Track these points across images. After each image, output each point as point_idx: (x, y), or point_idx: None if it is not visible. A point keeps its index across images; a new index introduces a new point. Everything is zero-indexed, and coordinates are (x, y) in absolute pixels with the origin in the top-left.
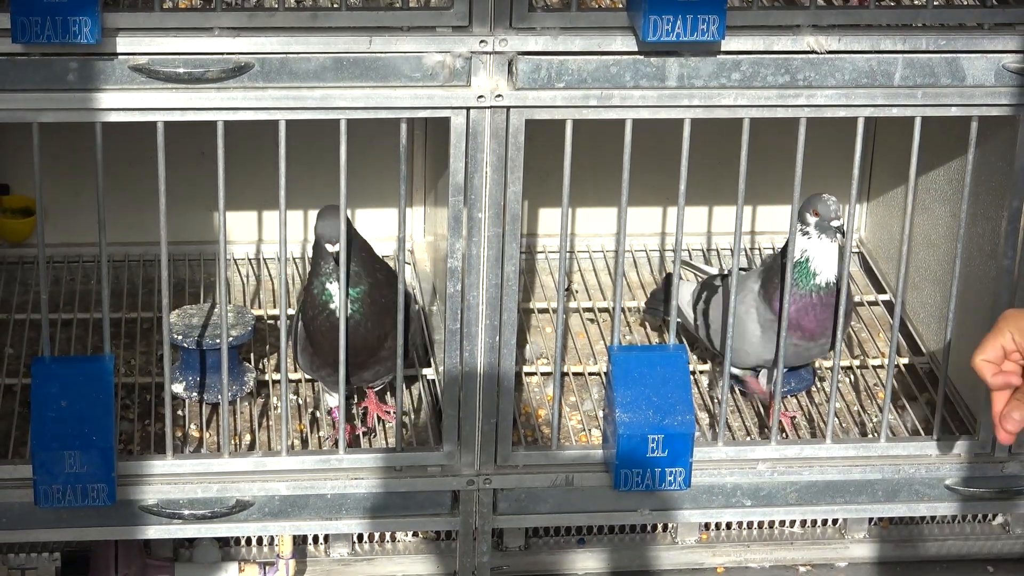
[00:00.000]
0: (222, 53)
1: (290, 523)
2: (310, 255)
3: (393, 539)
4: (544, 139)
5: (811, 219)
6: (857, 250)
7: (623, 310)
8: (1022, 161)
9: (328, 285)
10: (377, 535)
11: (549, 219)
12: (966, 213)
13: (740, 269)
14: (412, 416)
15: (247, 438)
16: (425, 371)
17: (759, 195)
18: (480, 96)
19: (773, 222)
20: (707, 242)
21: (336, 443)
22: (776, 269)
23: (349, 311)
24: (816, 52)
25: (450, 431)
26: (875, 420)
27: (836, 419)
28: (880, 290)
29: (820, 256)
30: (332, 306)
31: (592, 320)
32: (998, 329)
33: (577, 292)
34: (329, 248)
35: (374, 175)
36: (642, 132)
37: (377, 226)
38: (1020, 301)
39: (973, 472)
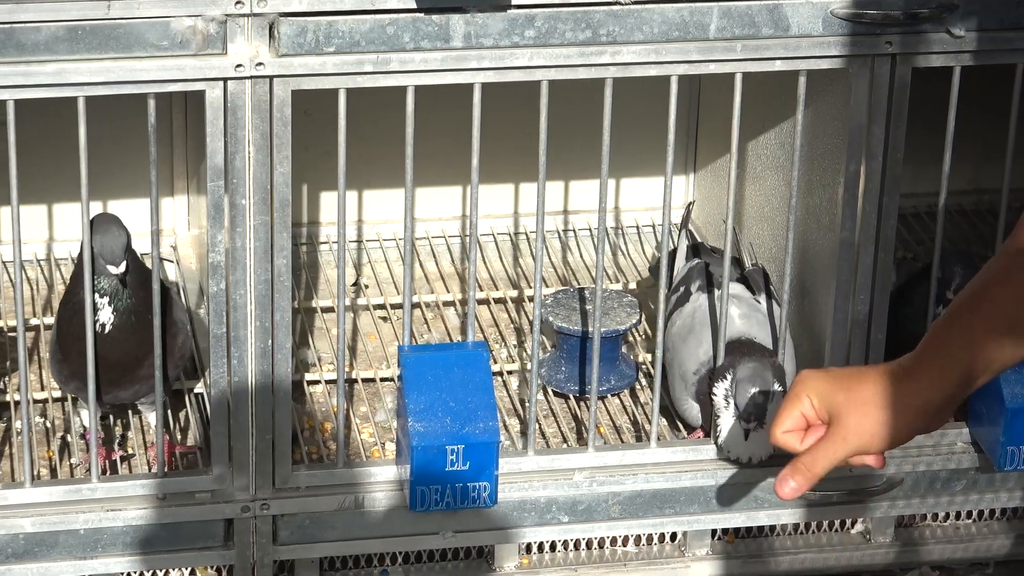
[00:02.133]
0: None
1: (37, 565)
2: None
3: None
4: (325, 113)
5: (724, 398)
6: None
7: (420, 305)
8: (858, 119)
9: (99, 298)
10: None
11: (333, 205)
12: (797, 180)
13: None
14: (179, 437)
15: None
16: (193, 384)
17: (577, 169)
18: (238, 65)
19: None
20: (564, 223)
21: (89, 470)
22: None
23: (108, 321)
24: (620, 3)
25: (219, 451)
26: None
27: (662, 419)
28: None
29: (731, 435)
30: (94, 316)
31: (385, 318)
32: (794, 395)
33: (367, 287)
34: (113, 271)
35: (133, 160)
36: (437, 99)
37: (134, 219)
38: (863, 277)
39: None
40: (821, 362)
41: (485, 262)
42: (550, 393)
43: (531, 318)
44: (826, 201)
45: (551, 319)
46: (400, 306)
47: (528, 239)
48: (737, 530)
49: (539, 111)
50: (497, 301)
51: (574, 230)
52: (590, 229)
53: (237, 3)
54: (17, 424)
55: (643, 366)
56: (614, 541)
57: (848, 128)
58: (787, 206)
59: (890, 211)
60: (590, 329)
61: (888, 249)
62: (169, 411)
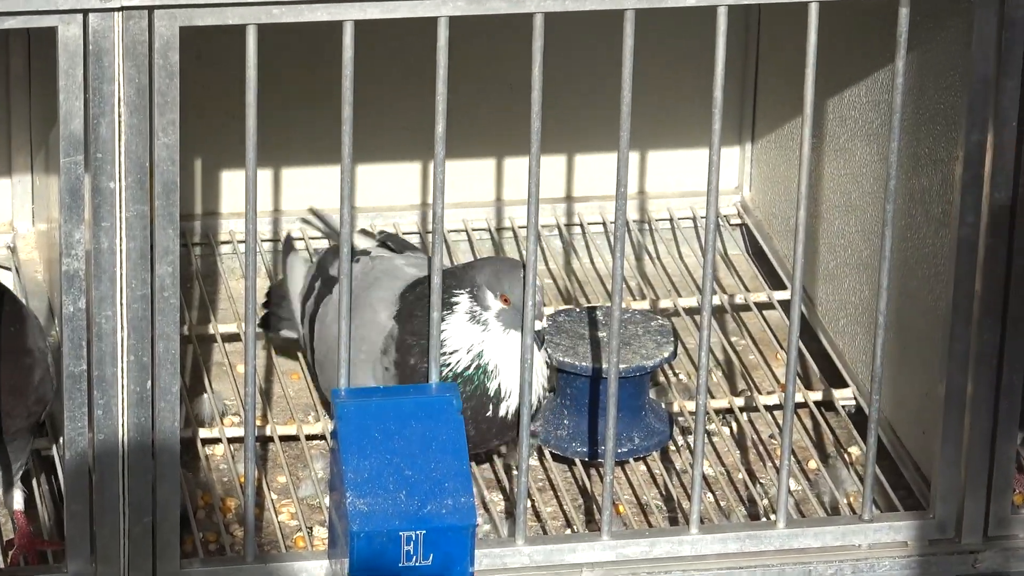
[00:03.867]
0: None
1: None
2: None
3: None
4: (227, 61)
5: (493, 303)
6: (739, 221)
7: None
8: (983, 69)
9: None
10: None
11: (238, 190)
12: (897, 154)
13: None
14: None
15: None
16: (41, 444)
17: (585, 141)
18: None
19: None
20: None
21: None
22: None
23: None
24: None
25: (77, 540)
26: (770, 493)
27: (709, 493)
28: (777, 285)
29: (501, 356)
30: None
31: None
32: None
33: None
34: None
35: None
36: (391, 39)
37: None
38: (991, 292)
39: (928, 569)
40: (926, 414)
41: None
42: (547, 456)
43: (520, 348)
44: (938, 183)
45: (549, 352)
46: None
47: (516, 236)
48: None
49: (531, 60)
50: None
51: (582, 224)
52: (604, 223)
53: None
54: None
55: (680, 418)
56: None
57: (969, 82)
58: (883, 190)
59: None
60: (604, 366)
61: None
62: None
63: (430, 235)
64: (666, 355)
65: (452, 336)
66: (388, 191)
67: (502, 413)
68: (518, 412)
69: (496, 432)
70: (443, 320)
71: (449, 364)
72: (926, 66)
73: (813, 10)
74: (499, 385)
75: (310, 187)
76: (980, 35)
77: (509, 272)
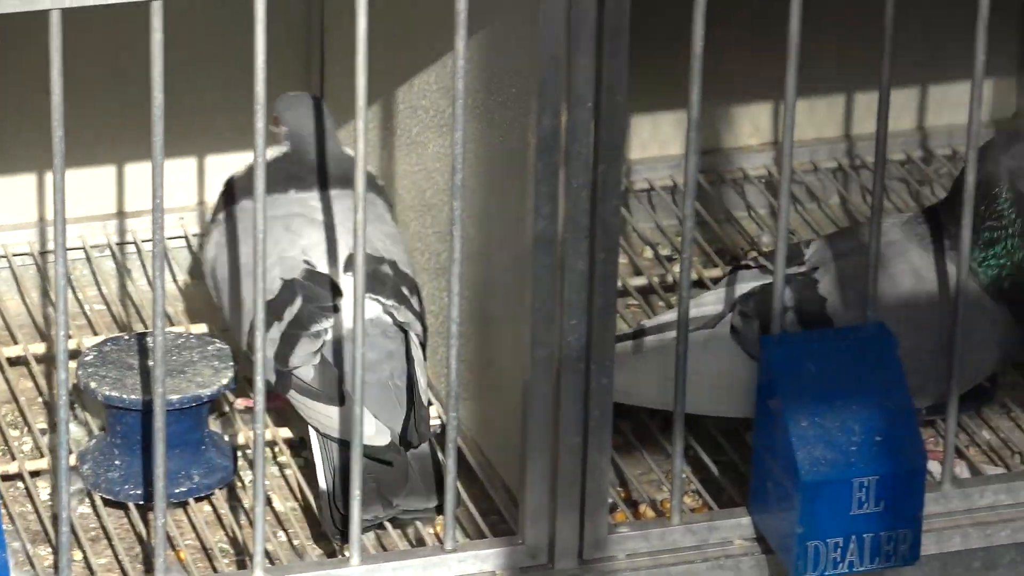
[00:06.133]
0: None
1: None
2: None
3: None
4: None
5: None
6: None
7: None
8: (550, 48)
9: None
10: None
11: None
12: (463, 145)
13: None
14: None
15: None
16: None
17: None
18: None
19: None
20: None
21: None
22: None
23: None
24: None
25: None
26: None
27: (280, 531)
28: None
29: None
30: None
31: None
32: None
33: None
34: None
35: None
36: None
37: None
38: (574, 291)
39: None
40: (515, 431)
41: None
42: (99, 502)
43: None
44: (514, 174)
45: (92, 385)
46: None
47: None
48: None
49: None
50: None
51: (136, 243)
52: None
53: None
54: None
55: (249, 450)
56: None
57: (538, 62)
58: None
59: (611, 187)
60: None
61: (611, 245)
62: None
63: None
64: (225, 382)
65: None
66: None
67: None
68: None
69: None
70: None
71: None
72: (495, 47)
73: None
74: None
75: None
76: (547, 10)
77: None
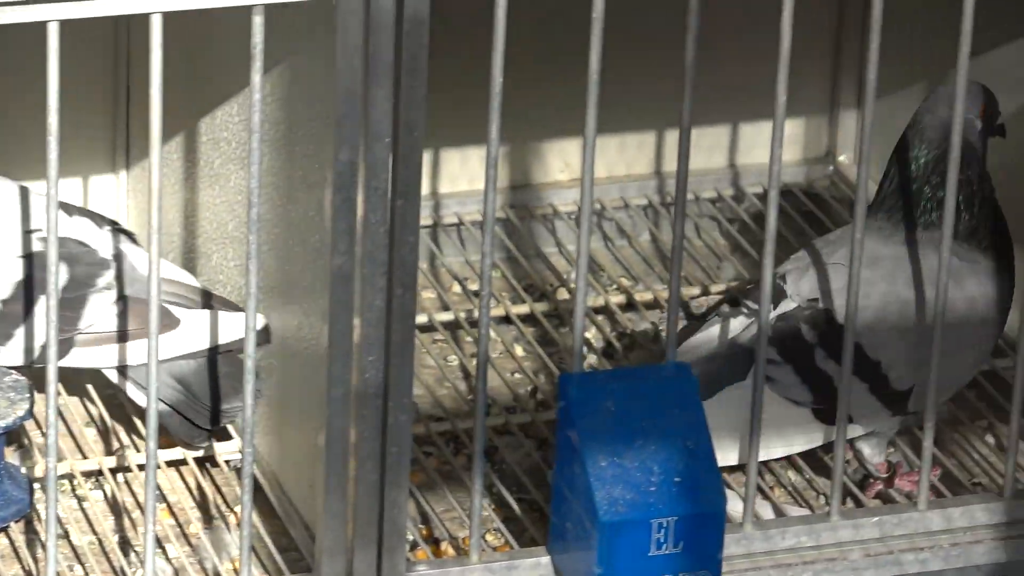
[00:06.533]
0: None
1: None
2: None
3: None
4: None
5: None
6: None
7: None
8: (348, 81)
9: None
10: None
11: None
12: (259, 179)
13: None
14: None
15: None
16: None
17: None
18: None
19: None
20: None
21: None
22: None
23: None
24: None
25: None
26: (146, 562)
27: (78, 565)
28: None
29: None
30: None
31: None
32: None
33: None
34: None
35: None
36: None
37: None
38: (372, 327)
39: None
40: (312, 466)
41: None
42: None
43: None
44: (314, 209)
45: None
46: None
47: None
48: None
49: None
50: None
51: None
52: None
53: None
54: None
55: (75, 479)
56: None
57: (335, 95)
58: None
59: (409, 223)
60: None
61: (409, 281)
62: None
63: None
64: (21, 414)
65: None
66: None
67: None
68: None
69: None
70: None
71: None
72: (296, 79)
73: (156, 20)
74: None
75: None
76: (343, 41)
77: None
